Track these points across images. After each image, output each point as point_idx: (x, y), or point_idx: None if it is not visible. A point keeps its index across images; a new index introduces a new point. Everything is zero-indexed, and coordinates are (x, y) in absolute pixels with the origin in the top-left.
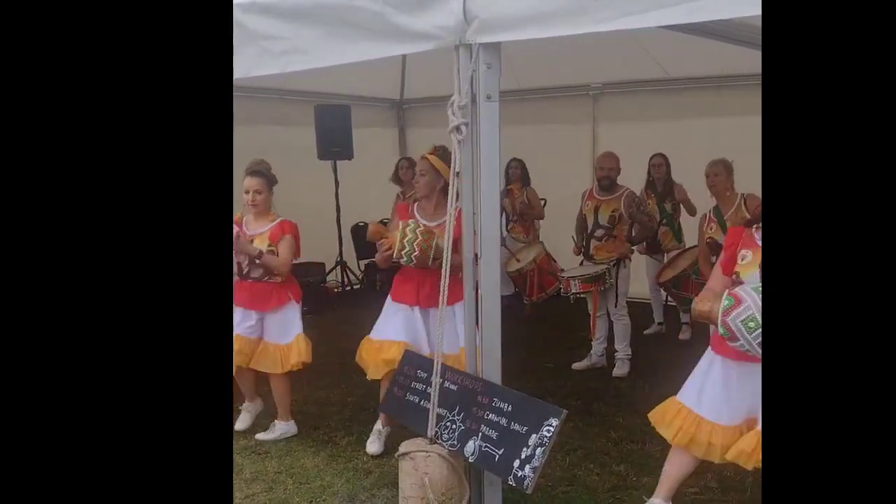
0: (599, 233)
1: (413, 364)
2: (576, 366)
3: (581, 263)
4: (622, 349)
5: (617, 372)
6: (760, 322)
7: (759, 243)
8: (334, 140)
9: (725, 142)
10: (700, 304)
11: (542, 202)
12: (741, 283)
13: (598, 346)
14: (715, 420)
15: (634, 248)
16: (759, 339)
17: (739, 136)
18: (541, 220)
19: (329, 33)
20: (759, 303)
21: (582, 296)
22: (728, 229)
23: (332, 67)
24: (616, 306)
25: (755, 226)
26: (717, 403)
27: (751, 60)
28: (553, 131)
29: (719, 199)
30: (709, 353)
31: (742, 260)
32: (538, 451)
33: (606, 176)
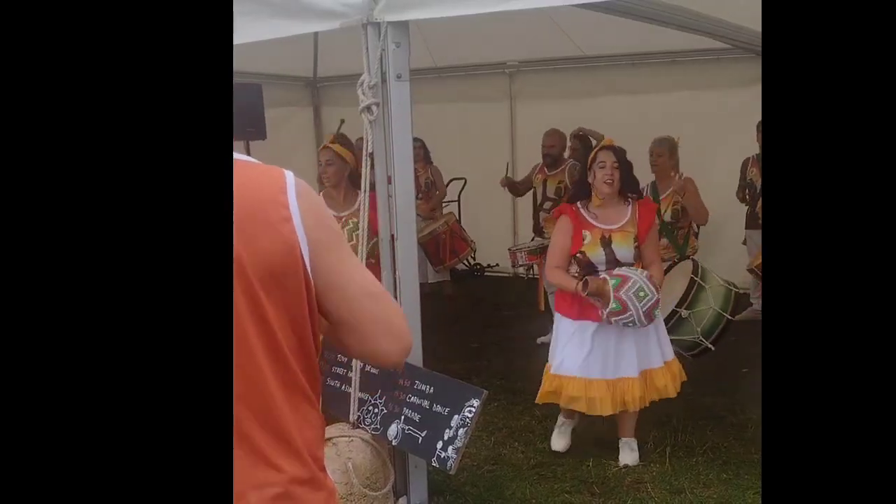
0: (548, 205)
1: (333, 349)
2: (541, 340)
3: (532, 239)
4: None
5: None
6: (648, 291)
7: (592, 221)
8: (246, 120)
9: (641, 119)
10: (567, 280)
11: (463, 182)
12: (588, 261)
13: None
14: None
15: None
16: (647, 307)
17: (655, 113)
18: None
19: (235, 10)
20: (643, 277)
21: (525, 267)
22: (560, 206)
23: (240, 44)
24: None
25: (580, 202)
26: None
27: (663, 38)
28: (470, 109)
29: (660, 179)
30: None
31: (585, 240)
32: (461, 431)
33: (548, 153)
